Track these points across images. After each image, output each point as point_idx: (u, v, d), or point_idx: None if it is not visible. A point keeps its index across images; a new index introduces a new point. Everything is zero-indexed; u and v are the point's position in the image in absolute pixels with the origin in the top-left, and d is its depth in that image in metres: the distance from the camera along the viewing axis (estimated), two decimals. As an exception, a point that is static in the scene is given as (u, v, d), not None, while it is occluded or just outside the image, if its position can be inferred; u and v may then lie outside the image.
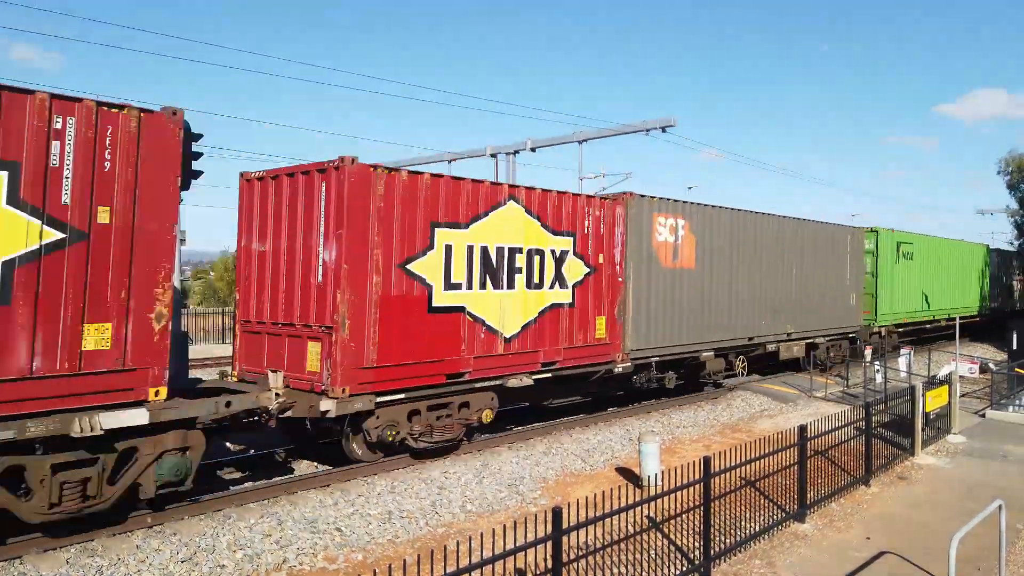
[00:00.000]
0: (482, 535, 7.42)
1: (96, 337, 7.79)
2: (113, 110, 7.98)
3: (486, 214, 12.27)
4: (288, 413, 10.04)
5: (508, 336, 12.64)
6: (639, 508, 7.32)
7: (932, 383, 14.81)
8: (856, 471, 11.18)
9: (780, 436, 9.60)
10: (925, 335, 31.56)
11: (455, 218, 11.80)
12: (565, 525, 6.21)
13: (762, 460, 9.03)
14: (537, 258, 13.16)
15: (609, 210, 14.71)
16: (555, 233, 13.51)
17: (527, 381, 12.90)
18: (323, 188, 10.66)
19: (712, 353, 17.77)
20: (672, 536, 8.40)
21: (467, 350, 11.96)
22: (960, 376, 18.36)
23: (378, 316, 10.68)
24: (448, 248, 11.71)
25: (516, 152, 25.38)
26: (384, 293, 10.82)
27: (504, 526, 6.72)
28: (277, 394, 9.53)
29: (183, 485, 8.73)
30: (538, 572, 7.27)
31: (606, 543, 7.51)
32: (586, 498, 7.63)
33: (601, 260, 14.55)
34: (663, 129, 21.99)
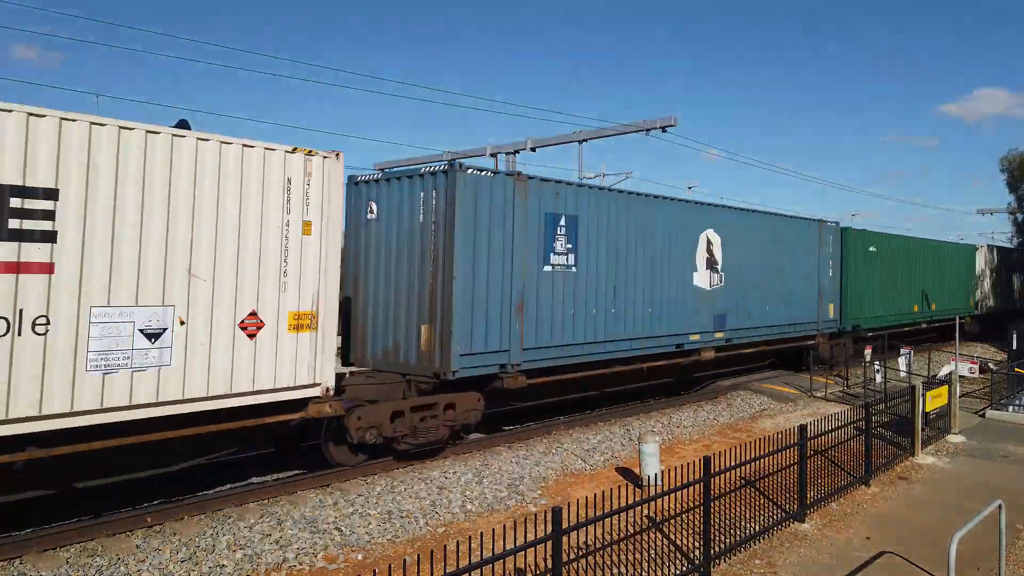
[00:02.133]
0: (482, 535, 7.42)
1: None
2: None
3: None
4: None
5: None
6: (639, 508, 7.32)
7: (932, 383, 14.80)
8: (856, 471, 11.18)
9: (780, 436, 9.60)
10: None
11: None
12: (565, 525, 6.21)
13: (762, 460, 9.03)
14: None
15: None
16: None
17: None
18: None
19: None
20: (672, 536, 8.41)
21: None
22: (960, 376, 18.38)
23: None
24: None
25: (516, 152, 25.37)
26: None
27: (504, 526, 6.72)
28: None
29: None
30: (538, 572, 7.27)
31: (606, 543, 7.52)
32: (586, 498, 7.64)
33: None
34: (663, 129, 21.97)
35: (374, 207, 12.95)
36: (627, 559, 7.66)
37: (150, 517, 8.82)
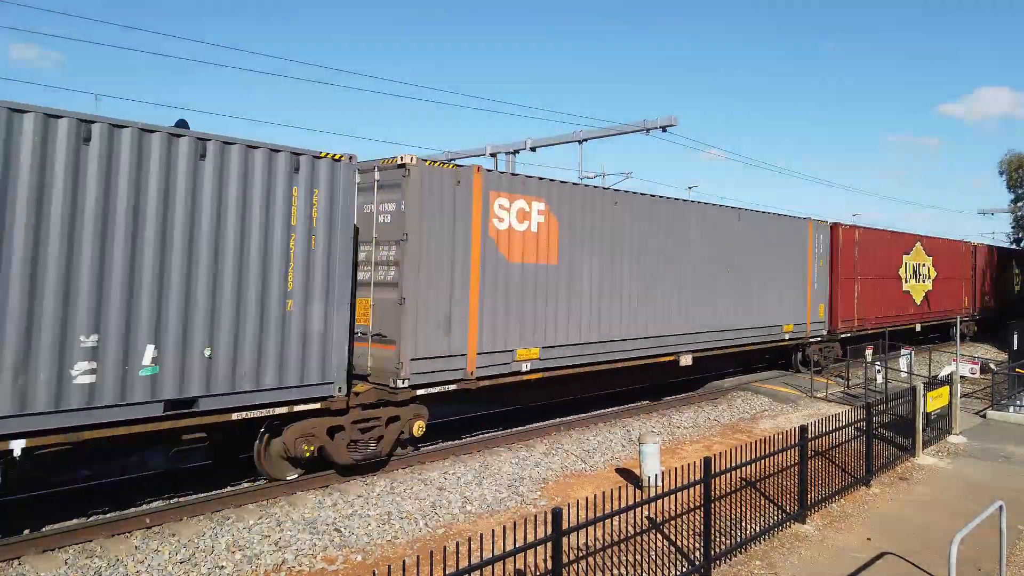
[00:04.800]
0: (482, 536, 7.39)
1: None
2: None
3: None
4: None
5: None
6: (639, 509, 7.30)
7: (933, 384, 14.78)
8: (857, 472, 11.16)
9: (781, 437, 9.58)
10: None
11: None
12: (565, 526, 6.19)
13: (763, 461, 9.01)
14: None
15: None
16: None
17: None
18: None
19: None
20: (672, 537, 8.38)
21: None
22: (961, 376, 18.35)
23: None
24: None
25: (516, 152, 25.33)
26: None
27: (504, 527, 6.69)
28: None
29: None
30: (538, 573, 7.25)
31: (606, 544, 7.50)
32: (586, 499, 7.61)
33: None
34: (664, 128, 21.94)
35: None
36: (627, 560, 7.64)
37: (149, 518, 8.80)
